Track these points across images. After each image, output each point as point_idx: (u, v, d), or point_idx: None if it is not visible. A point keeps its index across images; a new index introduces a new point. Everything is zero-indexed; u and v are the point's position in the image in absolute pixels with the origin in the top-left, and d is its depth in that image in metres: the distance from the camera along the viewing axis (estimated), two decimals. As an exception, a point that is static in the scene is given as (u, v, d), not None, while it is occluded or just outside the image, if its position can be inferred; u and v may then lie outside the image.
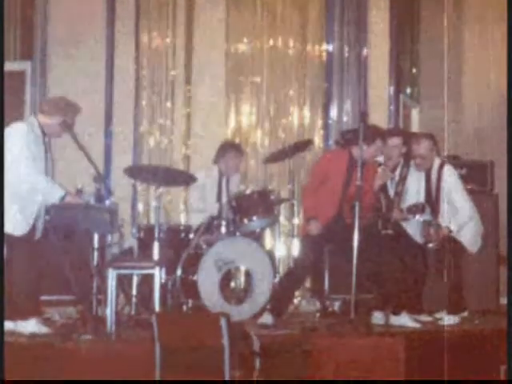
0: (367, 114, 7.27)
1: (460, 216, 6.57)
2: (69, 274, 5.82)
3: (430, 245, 6.63)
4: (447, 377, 5.74)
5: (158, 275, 6.07)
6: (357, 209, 6.10)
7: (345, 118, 8.30)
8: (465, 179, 7.08)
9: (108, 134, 8.05)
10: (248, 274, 6.79)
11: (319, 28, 8.33)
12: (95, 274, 5.98)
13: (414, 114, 9.33)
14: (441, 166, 6.67)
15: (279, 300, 6.58)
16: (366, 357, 5.44)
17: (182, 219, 7.96)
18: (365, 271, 6.18)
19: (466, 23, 9.18)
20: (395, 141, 6.71)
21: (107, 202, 6.11)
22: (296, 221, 7.88)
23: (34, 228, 5.81)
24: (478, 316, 6.85)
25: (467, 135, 8.92)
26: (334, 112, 8.30)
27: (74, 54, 7.94)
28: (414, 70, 9.26)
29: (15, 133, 5.76)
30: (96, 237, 6.01)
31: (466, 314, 6.70)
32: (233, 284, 7.22)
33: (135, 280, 6.47)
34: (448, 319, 6.54)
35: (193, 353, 4.86)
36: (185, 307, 6.56)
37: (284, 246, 7.88)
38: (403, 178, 6.69)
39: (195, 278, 6.44)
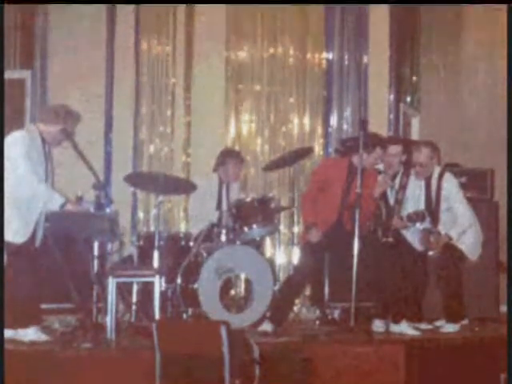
0: (367, 122, 7.26)
1: (460, 224, 6.58)
2: (69, 282, 5.82)
3: (430, 253, 6.64)
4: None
5: (158, 283, 6.08)
6: (357, 216, 6.12)
7: (345, 126, 8.30)
8: (465, 187, 7.08)
9: (108, 142, 8.05)
10: (248, 282, 6.79)
11: (319, 36, 8.33)
12: (95, 282, 5.98)
13: (414, 122, 9.33)
14: (441, 174, 6.67)
15: (279, 308, 6.58)
16: (366, 364, 5.45)
17: (182, 227, 7.96)
18: (365, 279, 6.18)
19: (465, 31, 9.19)
20: (395, 149, 6.71)
21: (107, 210, 6.11)
22: (296, 229, 7.87)
23: (33, 236, 5.80)
24: (477, 324, 6.84)
25: (467, 143, 8.92)
26: (334, 120, 8.29)
27: (74, 63, 7.94)
28: (414, 79, 9.26)
29: (15, 141, 5.76)
30: (96, 245, 6.00)
31: (465, 321, 6.68)
32: (233, 292, 7.22)
33: (135, 288, 6.47)
34: (448, 327, 6.54)
35: (193, 361, 4.86)
36: (185, 315, 6.56)
37: (284, 254, 7.88)
38: (403, 186, 6.68)
39: (195, 285, 6.43)
